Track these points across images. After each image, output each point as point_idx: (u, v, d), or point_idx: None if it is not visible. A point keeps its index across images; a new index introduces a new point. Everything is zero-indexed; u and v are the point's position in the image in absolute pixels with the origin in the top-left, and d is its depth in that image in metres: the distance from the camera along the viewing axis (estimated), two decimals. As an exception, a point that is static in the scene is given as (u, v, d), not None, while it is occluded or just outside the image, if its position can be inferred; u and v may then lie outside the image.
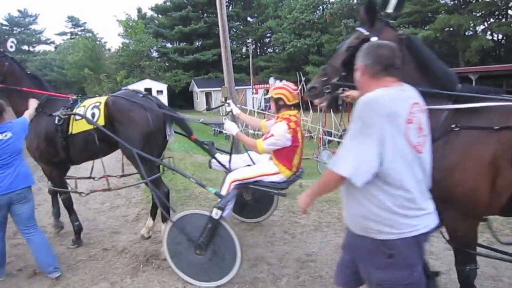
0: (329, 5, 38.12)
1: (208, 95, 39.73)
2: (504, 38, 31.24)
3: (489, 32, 30.40)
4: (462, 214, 2.30)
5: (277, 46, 41.61)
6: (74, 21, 62.37)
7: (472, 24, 27.80)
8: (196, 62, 43.55)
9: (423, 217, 1.80)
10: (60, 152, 3.97)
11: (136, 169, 3.82)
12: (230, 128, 3.47)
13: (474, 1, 28.97)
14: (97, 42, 51.78)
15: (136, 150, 3.56)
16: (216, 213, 3.09)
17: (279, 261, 3.75)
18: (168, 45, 48.50)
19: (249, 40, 38.60)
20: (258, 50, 49.57)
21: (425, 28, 28.85)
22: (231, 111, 4.02)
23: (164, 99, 38.94)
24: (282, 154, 3.36)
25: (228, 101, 4.06)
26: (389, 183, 1.74)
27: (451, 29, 27.21)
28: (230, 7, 45.64)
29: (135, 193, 6.29)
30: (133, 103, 3.74)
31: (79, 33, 60.88)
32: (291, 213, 5.06)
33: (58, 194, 4.56)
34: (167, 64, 46.37)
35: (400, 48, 2.16)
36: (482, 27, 29.92)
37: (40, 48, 64.76)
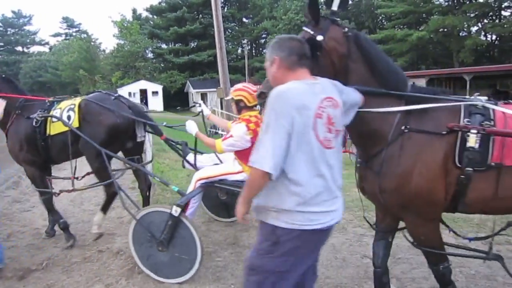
0: (324, 6, 38.25)
1: (203, 96, 39.69)
2: (498, 38, 31.46)
3: (483, 33, 30.60)
4: (422, 219, 2.33)
5: (273, 46, 41.68)
6: (68, 22, 62.20)
7: (466, 25, 27.97)
8: (191, 63, 43.52)
9: (322, 214, 1.81)
10: (40, 153, 4.10)
11: (92, 169, 4.04)
12: (190, 127, 3.56)
13: (468, 2, 29.16)
14: (92, 43, 51.70)
15: (105, 150, 3.70)
16: (175, 211, 3.17)
17: (274, 261, 3.74)
18: (164, 46, 48.43)
19: (245, 41, 38.62)
20: (253, 51, 49.59)
21: (420, 29, 28.98)
22: (202, 111, 4.09)
23: (159, 100, 38.95)
24: (244, 155, 3.34)
25: (199, 102, 4.19)
26: (287, 176, 1.75)
27: (445, 30, 27.36)
28: (226, 8, 45.64)
29: (130, 194, 6.25)
30: (103, 106, 3.90)
31: (74, 34, 60.73)
32: (287, 214, 5.06)
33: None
34: (162, 65, 46.30)
35: (347, 46, 2.24)
36: (476, 28, 30.12)
37: (34, 49, 64.63)
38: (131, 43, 41.25)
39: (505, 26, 26.02)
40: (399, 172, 2.22)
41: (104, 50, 53.75)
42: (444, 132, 2.18)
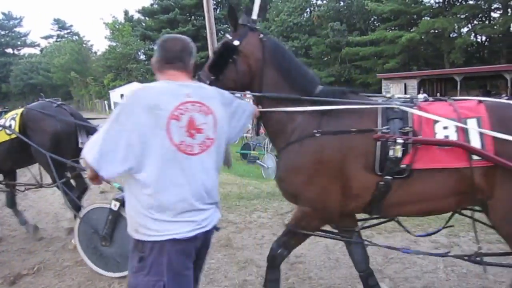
0: (316, 8, 38.39)
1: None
2: (488, 39, 31.79)
3: (473, 34, 30.91)
4: (313, 211, 2.42)
5: (265, 48, 41.75)
6: (60, 24, 61.77)
7: (456, 27, 28.24)
8: (184, 65, 43.48)
9: (181, 223, 1.70)
10: None
11: (48, 173, 4.14)
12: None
13: (458, 4, 29.45)
14: (84, 45, 51.38)
15: (50, 154, 3.85)
16: (114, 205, 3.28)
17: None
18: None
19: (237, 43, 38.66)
20: (246, 53, 49.65)
21: (411, 30, 29.22)
22: None
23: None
24: None
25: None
26: (140, 181, 1.66)
27: (436, 31, 27.60)
28: (218, 10, 45.56)
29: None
30: (44, 113, 4.08)
31: (65, 36, 60.30)
32: (280, 216, 5.07)
33: None
34: (154, 67, 46.18)
35: (263, 51, 2.40)
36: (466, 29, 30.43)
37: (25, 51, 64.11)
38: (123, 45, 41.06)
39: (495, 27, 26.31)
40: (294, 167, 2.35)
41: (95, 52, 53.49)
42: (351, 131, 2.23)
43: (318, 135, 2.26)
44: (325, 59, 36.63)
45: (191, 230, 1.72)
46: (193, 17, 45.47)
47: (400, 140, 2.11)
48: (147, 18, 48.69)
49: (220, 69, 2.41)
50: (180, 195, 1.70)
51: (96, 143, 1.64)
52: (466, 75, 21.42)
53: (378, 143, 2.15)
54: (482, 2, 27.90)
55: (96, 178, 1.70)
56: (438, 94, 21.87)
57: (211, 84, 2.26)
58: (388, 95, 2.54)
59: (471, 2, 28.67)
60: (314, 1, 39.83)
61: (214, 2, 44.94)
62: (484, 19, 30.40)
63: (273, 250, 2.61)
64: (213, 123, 1.82)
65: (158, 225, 1.67)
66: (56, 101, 4.47)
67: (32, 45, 64.30)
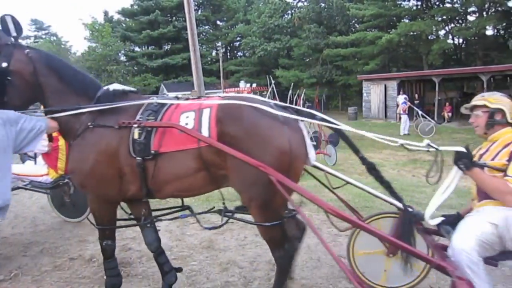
0: (296, 10, 38.62)
1: (178, 99, 39.27)
2: (464, 42, 32.54)
3: (450, 37, 31.60)
4: (98, 199, 2.76)
5: (247, 49, 41.76)
6: (37, 24, 60.38)
7: (434, 29, 28.79)
8: (165, 66, 43.04)
9: None
10: None
11: None
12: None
13: (436, 7, 30.04)
14: (62, 46, 50.43)
15: None
16: None
17: (250, 264, 3.75)
18: (137, 49, 47.67)
19: (219, 44, 38.54)
20: (228, 54, 49.54)
21: (390, 32, 29.66)
22: None
23: (133, 103, 38.29)
24: (49, 159, 4.26)
25: None
26: None
27: (415, 33, 28.09)
28: (200, 11, 45.37)
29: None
30: None
31: (43, 36, 59.01)
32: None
33: None
34: (135, 68, 45.56)
35: (33, 64, 2.61)
36: (443, 31, 31.09)
37: (1, 52, 62.31)
38: (103, 46, 40.45)
39: (471, 30, 26.91)
40: (78, 158, 2.66)
41: (75, 53, 52.56)
42: (117, 127, 2.58)
43: (91, 127, 2.62)
44: (307, 60, 36.87)
45: None
46: (174, 18, 45.14)
47: (135, 125, 2.54)
48: (127, 19, 48.09)
49: (2, 93, 2.55)
50: None
51: None
52: (444, 76, 21.88)
53: (132, 129, 2.55)
54: (459, 5, 28.54)
55: None
56: (417, 95, 22.27)
57: (1, 107, 2.50)
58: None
59: (448, 5, 29.29)
60: (295, 3, 40.10)
61: (195, 4, 44.77)
62: (460, 22, 31.08)
63: (100, 244, 2.91)
64: None
65: None
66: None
67: (9, 45, 62.77)
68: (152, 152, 2.50)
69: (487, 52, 27.96)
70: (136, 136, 2.52)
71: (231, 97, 2.66)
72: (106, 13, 49.32)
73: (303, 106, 16.06)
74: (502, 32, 29.89)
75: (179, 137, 2.48)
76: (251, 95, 2.79)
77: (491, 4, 26.38)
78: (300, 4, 39.52)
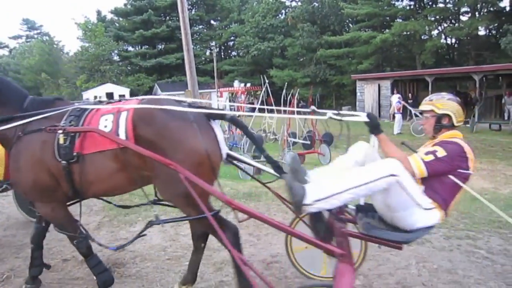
0: (290, 9, 38.66)
1: (172, 99, 39.16)
2: (457, 42, 32.79)
3: (443, 36, 31.82)
4: (43, 203, 2.89)
5: (241, 49, 41.75)
6: (29, 24, 59.93)
7: (427, 29, 28.99)
8: (159, 66, 42.92)
9: None
10: None
11: None
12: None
13: (429, 7, 30.23)
14: (55, 46, 50.08)
15: None
16: None
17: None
18: (130, 48, 47.50)
19: (213, 44, 38.50)
20: (222, 54, 49.49)
21: (384, 32, 29.80)
22: None
23: (126, 103, 38.15)
24: None
25: None
26: None
27: (408, 33, 28.25)
28: (193, 11, 45.29)
29: (97, 200, 6.10)
30: None
31: (35, 36, 58.57)
32: (257, 216, 5.08)
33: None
34: (129, 68, 45.40)
35: None
36: (436, 31, 31.30)
37: (-7, 52, 61.71)
38: (96, 45, 40.25)
39: (463, 30, 27.13)
40: (13, 166, 2.80)
41: (67, 53, 52.24)
42: (42, 133, 2.70)
43: (21, 136, 2.76)
44: (301, 60, 36.93)
45: None
46: (167, 17, 45.04)
47: (60, 131, 2.65)
48: (120, 19, 47.87)
49: None
50: None
51: None
52: (437, 76, 22.02)
53: (57, 134, 2.67)
54: (451, 5, 28.74)
55: None
56: (410, 94, 22.39)
57: None
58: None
59: (441, 5, 29.49)
60: (289, 3, 40.15)
61: (189, 3, 44.64)
62: (453, 22, 31.30)
63: (73, 245, 3.05)
64: None
65: None
66: None
67: (0, 46, 62.23)
68: (75, 154, 2.65)
69: (479, 52, 28.20)
70: (61, 141, 2.67)
71: (148, 100, 2.78)
72: (99, 13, 49.09)
73: (298, 106, 16.09)
74: (494, 32, 30.13)
75: (98, 139, 2.63)
76: (167, 97, 2.98)
77: (483, 4, 26.60)
78: (294, 4, 39.58)
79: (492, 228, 4.49)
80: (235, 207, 2.46)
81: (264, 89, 15.08)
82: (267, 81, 15.17)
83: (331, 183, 2.32)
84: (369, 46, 29.28)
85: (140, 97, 2.88)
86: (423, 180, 2.44)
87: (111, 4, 77.29)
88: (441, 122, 2.61)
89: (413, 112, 17.41)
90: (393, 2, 31.36)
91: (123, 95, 38.30)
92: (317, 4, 34.75)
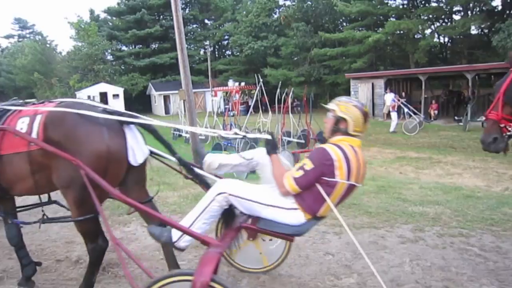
0: (284, 8, 38.67)
1: (166, 98, 39.08)
2: (450, 41, 32.99)
3: (436, 35, 32.00)
4: None
5: (235, 48, 41.70)
6: (21, 23, 59.50)
7: (420, 28, 29.12)
8: (153, 66, 42.72)
9: None
10: None
11: None
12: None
13: (422, 6, 30.38)
14: (47, 45, 49.71)
15: None
16: None
17: (239, 263, 3.75)
18: (124, 48, 47.24)
19: (207, 43, 38.41)
20: (216, 53, 49.38)
21: (377, 31, 29.91)
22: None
23: (120, 103, 37.97)
24: None
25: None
26: None
27: (401, 32, 28.37)
28: (187, 10, 45.12)
29: None
30: None
31: (28, 35, 58.14)
32: (251, 215, 5.08)
33: None
34: (122, 67, 45.15)
35: None
36: (429, 30, 31.45)
37: (-16, 51, 61.12)
38: (89, 45, 39.97)
39: (456, 29, 27.29)
40: None
41: (60, 53, 51.84)
42: None
43: None
44: (295, 59, 36.95)
45: None
46: (161, 17, 44.85)
47: None
48: (113, 18, 47.59)
49: None
50: None
51: None
52: (431, 74, 22.16)
53: None
54: (444, 4, 28.90)
55: None
56: (403, 93, 22.53)
57: None
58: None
59: (434, 5, 29.64)
60: (282, 2, 40.14)
61: (183, 2, 44.49)
62: (446, 21, 31.49)
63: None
64: None
65: None
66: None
67: (-8, 45, 61.64)
68: None
69: (472, 50, 28.40)
70: None
71: (64, 104, 2.87)
72: (92, 12, 48.71)
73: (292, 105, 16.13)
74: (486, 31, 30.32)
75: (14, 140, 2.74)
76: (82, 101, 3.08)
77: (476, 3, 26.78)
78: (288, 3, 39.58)
79: (484, 225, 4.53)
80: (118, 198, 2.60)
81: (258, 88, 15.07)
82: (261, 80, 15.18)
83: (183, 221, 2.60)
84: (362, 46, 29.37)
85: (58, 100, 3.00)
86: None
87: (104, 3, 76.98)
88: (338, 125, 2.60)
89: (405, 110, 17.50)
90: (386, 1, 31.45)
91: (117, 95, 38.16)
92: (310, 3, 34.76)
